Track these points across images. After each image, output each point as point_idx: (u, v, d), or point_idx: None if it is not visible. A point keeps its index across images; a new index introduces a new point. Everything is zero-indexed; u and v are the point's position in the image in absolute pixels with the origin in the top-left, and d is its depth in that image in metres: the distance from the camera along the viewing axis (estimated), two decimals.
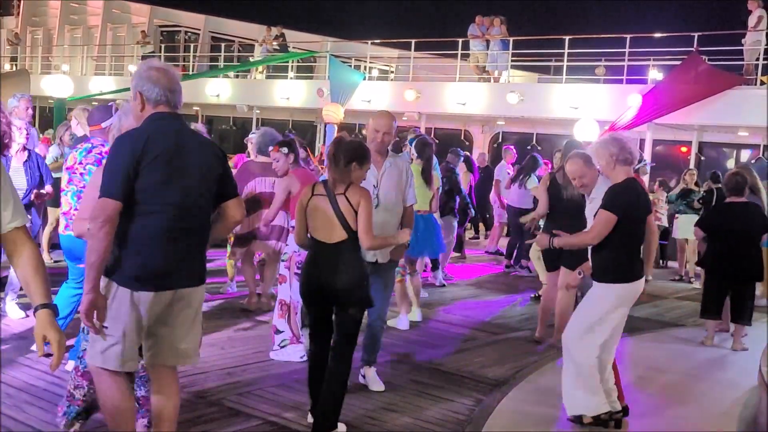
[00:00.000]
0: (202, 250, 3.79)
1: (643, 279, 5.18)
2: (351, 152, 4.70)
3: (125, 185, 3.49)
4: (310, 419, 4.91)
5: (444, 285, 10.37)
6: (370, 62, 22.36)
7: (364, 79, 20.31)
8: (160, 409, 3.81)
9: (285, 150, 6.70)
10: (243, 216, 4.01)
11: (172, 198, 3.58)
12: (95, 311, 3.49)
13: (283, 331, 6.38)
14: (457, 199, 10.64)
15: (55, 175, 7.17)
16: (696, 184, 12.31)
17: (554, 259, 7.28)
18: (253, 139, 8.68)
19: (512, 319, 8.70)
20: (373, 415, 5.18)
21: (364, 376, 5.79)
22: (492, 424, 5.19)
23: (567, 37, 17.00)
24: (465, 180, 12.61)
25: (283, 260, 6.54)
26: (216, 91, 22.36)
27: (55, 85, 17.80)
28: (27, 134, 6.96)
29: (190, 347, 3.80)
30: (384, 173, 5.63)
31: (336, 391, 4.78)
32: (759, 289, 8.29)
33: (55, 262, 8.99)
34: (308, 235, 4.83)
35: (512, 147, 14.66)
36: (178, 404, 3.86)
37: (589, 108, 15.80)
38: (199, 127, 8.22)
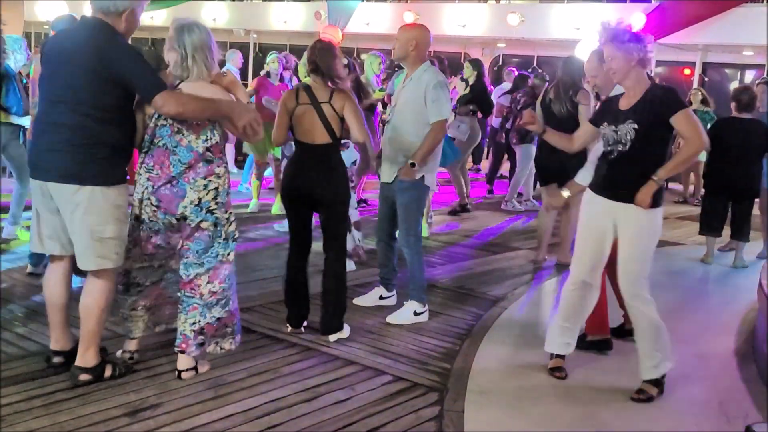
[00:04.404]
0: (72, 147, 3.77)
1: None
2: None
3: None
4: (288, 328, 5.08)
5: (522, 211, 10.36)
6: None
7: (363, 1, 19.96)
8: (80, 307, 4.01)
9: None
10: (176, 109, 3.78)
11: (46, 93, 3.89)
12: None
13: None
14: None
15: None
16: (704, 102, 11.55)
17: (554, 174, 6.77)
18: None
19: (511, 238, 8.69)
20: (373, 330, 5.23)
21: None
22: (490, 337, 5.22)
23: None
24: None
25: None
26: (212, 15, 21.98)
27: (51, 10, 17.52)
28: None
29: (80, 248, 3.90)
30: (403, 88, 5.38)
31: (335, 292, 4.98)
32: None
33: None
34: (291, 137, 5.00)
35: (514, 69, 14.46)
36: (92, 307, 3.96)
37: (591, 29, 15.46)
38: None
